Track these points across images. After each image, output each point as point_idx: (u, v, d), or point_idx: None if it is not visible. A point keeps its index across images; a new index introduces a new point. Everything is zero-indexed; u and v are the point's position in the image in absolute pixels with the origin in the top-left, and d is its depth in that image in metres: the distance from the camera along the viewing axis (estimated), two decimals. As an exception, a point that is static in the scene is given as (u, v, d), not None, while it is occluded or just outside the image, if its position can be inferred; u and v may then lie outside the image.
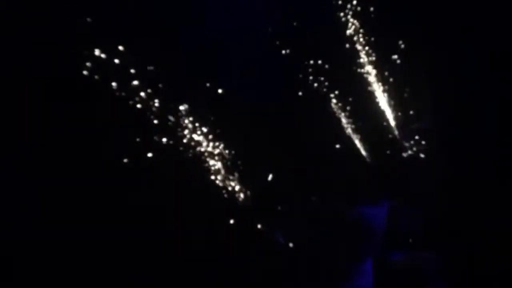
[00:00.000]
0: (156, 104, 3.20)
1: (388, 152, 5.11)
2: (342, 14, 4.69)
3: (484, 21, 4.25)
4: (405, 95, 5.04)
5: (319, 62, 4.63)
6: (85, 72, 2.95)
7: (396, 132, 5.36)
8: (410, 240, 3.80)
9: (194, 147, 3.45)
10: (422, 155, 4.82)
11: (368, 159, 5.02)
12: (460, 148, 4.44)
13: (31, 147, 2.88)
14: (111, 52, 3.01)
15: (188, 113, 3.41)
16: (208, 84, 3.61)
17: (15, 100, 2.77)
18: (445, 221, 3.83)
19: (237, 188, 3.21)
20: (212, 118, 3.55)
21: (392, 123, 5.36)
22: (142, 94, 3.17)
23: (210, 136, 3.50)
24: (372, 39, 4.92)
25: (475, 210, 3.75)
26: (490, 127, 4.37)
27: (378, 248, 3.03)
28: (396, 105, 5.26)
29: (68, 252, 2.84)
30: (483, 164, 4.12)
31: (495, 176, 3.96)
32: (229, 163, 3.45)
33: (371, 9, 4.66)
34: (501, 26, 4.20)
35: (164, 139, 3.32)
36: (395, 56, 4.87)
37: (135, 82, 3.10)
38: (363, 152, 5.06)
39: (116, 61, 3.03)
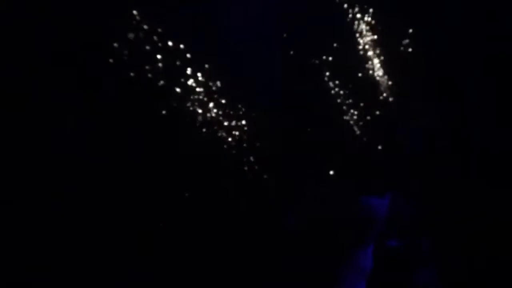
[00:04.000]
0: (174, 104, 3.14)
1: (390, 147, 5.18)
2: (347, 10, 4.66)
3: (486, 21, 4.26)
4: (407, 93, 5.07)
5: (322, 57, 4.62)
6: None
7: (398, 128, 5.40)
8: (407, 228, 3.98)
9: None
10: (422, 151, 4.89)
11: (372, 154, 5.08)
12: (459, 143, 4.51)
13: (33, 148, 2.86)
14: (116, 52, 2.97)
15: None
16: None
17: (20, 100, 2.74)
18: (441, 212, 3.94)
19: (253, 176, 3.22)
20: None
21: (394, 118, 5.40)
22: (148, 93, 3.13)
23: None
24: (377, 34, 4.91)
25: (471, 204, 3.84)
26: (489, 124, 4.43)
27: (379, 234, 3.16)
28: (398, 101, 5.29)
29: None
30: (481, 158, 4.19)
31: (492, 171, 4.04)
32: (244, 151, 3.45)
33: (376, 6, 4.64)
34: (502, 26, 4.22)
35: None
36: (398, 55, 4.88)
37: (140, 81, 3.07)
38: (367, 147, 5.11)
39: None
